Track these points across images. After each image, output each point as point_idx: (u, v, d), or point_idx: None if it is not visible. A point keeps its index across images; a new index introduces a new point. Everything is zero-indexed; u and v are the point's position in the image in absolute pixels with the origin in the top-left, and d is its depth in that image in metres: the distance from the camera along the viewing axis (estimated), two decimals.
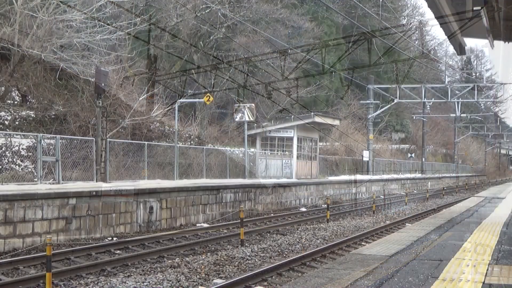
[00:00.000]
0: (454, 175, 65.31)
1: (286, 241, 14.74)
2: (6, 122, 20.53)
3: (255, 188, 22.31)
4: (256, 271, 10.50)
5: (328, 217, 19.49)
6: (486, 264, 8.36)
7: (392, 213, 24.40)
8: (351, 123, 43.95)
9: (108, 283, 9.46)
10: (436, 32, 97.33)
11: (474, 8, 9.40)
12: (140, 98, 24.38)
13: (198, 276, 10.21)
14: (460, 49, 12.37)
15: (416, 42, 47.48)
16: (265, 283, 10.13)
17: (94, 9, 20.67)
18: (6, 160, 16.40)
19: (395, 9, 55.74)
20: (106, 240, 14.01)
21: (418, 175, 51.63)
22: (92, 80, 19.97)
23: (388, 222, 20.54)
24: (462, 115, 54.32)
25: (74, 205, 13.75)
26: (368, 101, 39.98)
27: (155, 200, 16.46)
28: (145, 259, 11.69)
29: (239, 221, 14.29)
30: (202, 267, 10.95)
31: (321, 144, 36.85)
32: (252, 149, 27.72)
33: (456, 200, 32.97)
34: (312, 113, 29.93)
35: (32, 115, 21.64)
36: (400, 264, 8.31)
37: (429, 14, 73.27)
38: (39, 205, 12.88)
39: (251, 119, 24.75)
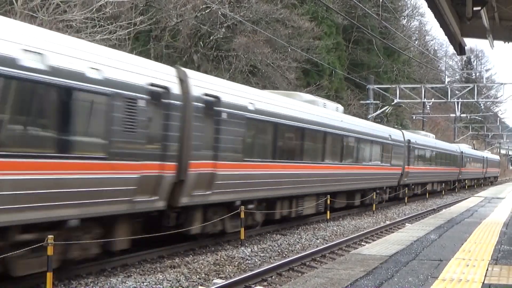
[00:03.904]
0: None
1: (286, 241, 14.74)
2: None
3: None
4: (256, 271, 10.50)
5: (328, 217, 19.49)
6: (486, 264, 8.36)
7: (392, 213, 24.41)
8: None
9: (108, 283, 9.46)
10: (436, 32, 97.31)
11: (474, 8, 9.40)
12: None
13: (198, 276, 10.21)
14: (460, 49, 12.38)
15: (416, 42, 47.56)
16: (265, 283, 10.13)
17: (94, 9, 20.67)
18: None
19: (395, 9, 55.70)
20: None
21: None
22: None
23: (388, 222, 20.55)
24: (462, 115, 54.30)
25: None
26: (368, 101, 39.96)
27: None
28: (145, 259, 11.69)
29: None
30: (202, 267, 10.95)
31: None
32: None
33: (456, 200, 32.97)
34: None
35: None
36: (400, 264, 8.32)
37: (429, 14, 73.35)
38: None
39: None
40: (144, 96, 10.43)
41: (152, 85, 10.71)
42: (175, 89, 11.38)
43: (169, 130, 11.14)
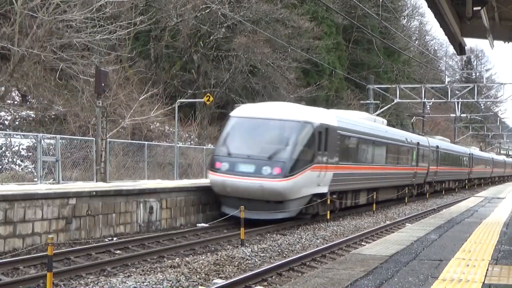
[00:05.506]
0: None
1: (286, 241, 14.73)
2: (6, 122, 20.56)
3: None
4: (256, 271, 10.49)
5: (328, 217, 19.48)
6: (486, 264, 8.36)
7: (392, 213, 24.40)
8: None
9: (108, 283, 9.45)
10: (436, 32, 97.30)
11: (474, 8, 9.40)
12: (140, 98, 24.40)
13: (198, 276, 10.20)
14: (460, 49, 12.37)
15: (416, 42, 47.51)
16: (265, 283, 10.13)
17: (94, 9, 20.68)
18: (6, 160, 16.45)
19: (395, 9, 55.71)
20: (106, 240, 14.01)
21: None
22: (92, 80, 20.00)
23: (388, 222, 20.54)
24: (462, 115, 54.33)
25: (74, 205, 13.71)
26: (368, 101, 39.95)
27: (155, 200, 16.43)
28: (145, 259, 11.68)
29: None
30: (202, 267, 10.94)
31: None
32: None
33: (456, 200, 32.96)
34: None
35: (32, 115, 21.66)
36: (400, 264, 8.31)
37: (429, 14, 73.35)
38: (39, 205, 12.85)
39: None
40: None
41: None
42: None
43: None
